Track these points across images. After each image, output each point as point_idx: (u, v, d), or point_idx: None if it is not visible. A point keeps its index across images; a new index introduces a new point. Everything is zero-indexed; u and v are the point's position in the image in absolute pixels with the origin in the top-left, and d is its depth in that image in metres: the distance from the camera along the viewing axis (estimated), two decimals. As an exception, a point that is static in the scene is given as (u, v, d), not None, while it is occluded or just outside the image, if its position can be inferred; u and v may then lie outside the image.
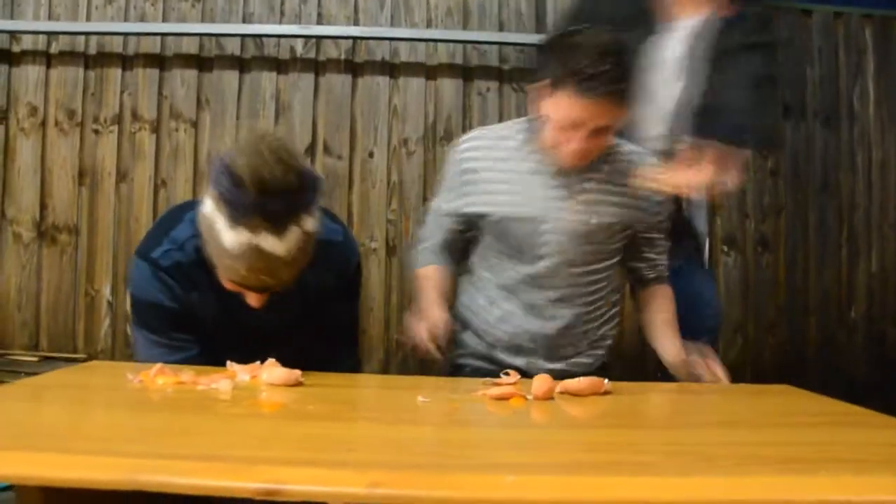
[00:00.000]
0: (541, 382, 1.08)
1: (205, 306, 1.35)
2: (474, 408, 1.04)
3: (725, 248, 2.63)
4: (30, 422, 0.88)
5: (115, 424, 0.91)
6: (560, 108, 1.37)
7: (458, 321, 1.63)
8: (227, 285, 1.22)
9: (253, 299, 1.24)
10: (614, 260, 1.58)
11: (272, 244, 1.12)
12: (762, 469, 0.74)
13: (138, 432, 0.86)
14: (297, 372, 1.15)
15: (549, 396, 1.07)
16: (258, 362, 1.20)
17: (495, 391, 1.07)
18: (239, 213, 1.11)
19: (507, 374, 1.17)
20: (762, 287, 2.65)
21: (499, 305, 1.56)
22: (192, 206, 1.36)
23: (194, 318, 1.35)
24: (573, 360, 1.56)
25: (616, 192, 1.51)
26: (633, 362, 2.34)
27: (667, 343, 1.54)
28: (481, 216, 1.54)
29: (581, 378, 1.13)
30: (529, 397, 1.07)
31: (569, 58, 1.35)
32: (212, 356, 1.32)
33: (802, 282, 2.66)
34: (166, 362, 1.24)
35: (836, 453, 0.83)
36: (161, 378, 1.10)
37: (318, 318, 1.43)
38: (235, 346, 1.34)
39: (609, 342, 1.65)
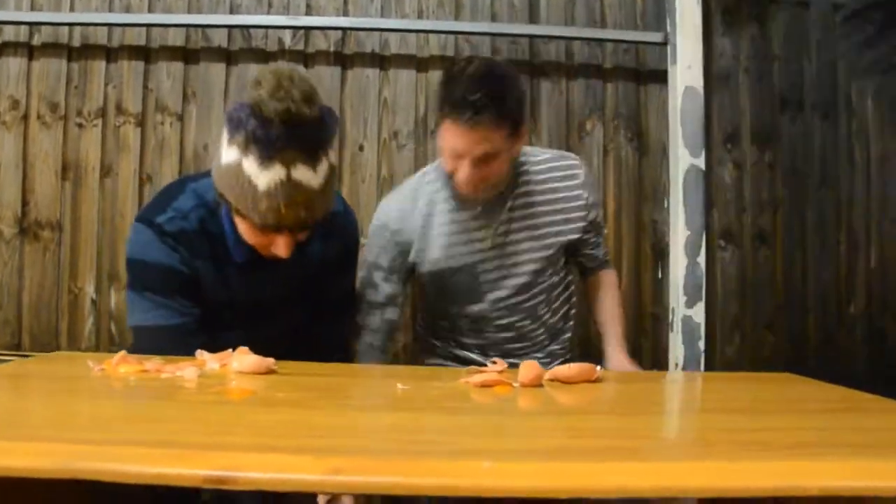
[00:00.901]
0: (528, 369, 1.02)
1: (208, 277, 1.33)
2: (456, 395, 0.99)
3: (722, 243, 2.58)
4: None
5: (66, 412, 0.85)
6: (443, 138, 1.42)
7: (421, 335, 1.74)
8: (255, 240, 1.20)
9: (282, 246, 1.21)
10: (557, 266, 1.65)
11: (308, 176, 1.14)
12: (767, 454, 0.68)
13: (89, 419, 0.81)
14: (270, 360, 1.09)
15: (536, 384, 1.02)
16: (229, 350, 1.15)
17: (479, 378, 1.01)
18: (273, 149, 1.12)
19: (493, 362, 1.12)
20: (760, 282, 2.60)
21: (450, 323, 1.65)
22: (193, 178, 1.36)
23: (197, 285, 1.33)
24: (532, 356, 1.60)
25: (540, 212, 1.55)
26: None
27: (609, 343, 1.65)
28: (418, 274, 1.61)
29: (571, 364, 1.07)
30: (516, 385, 1.02)
31: (446, 88, 1.41)
32: (208, 333, 1.29)
33: (801, 277, 2.61)
34: (168, 325, 1.23)
35: (842, 438, 0.78)
36: (124, 367, 1.05)
37: (318, 291, 1.44)
38: (231, 323, 1.31)
39: (568, 335, 1.73)
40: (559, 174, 1.60)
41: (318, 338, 1.45)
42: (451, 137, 1.39)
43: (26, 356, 2.33)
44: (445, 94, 1.41)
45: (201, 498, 1.53)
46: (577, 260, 1.72)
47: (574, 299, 1.77)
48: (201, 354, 1.16)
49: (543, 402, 0.96)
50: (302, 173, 1.14)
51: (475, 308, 1.57)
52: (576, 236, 1.60)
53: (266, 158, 1.12)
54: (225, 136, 1.18)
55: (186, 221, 1.31)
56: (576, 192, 1.60)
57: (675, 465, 0.64)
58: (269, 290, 1.32)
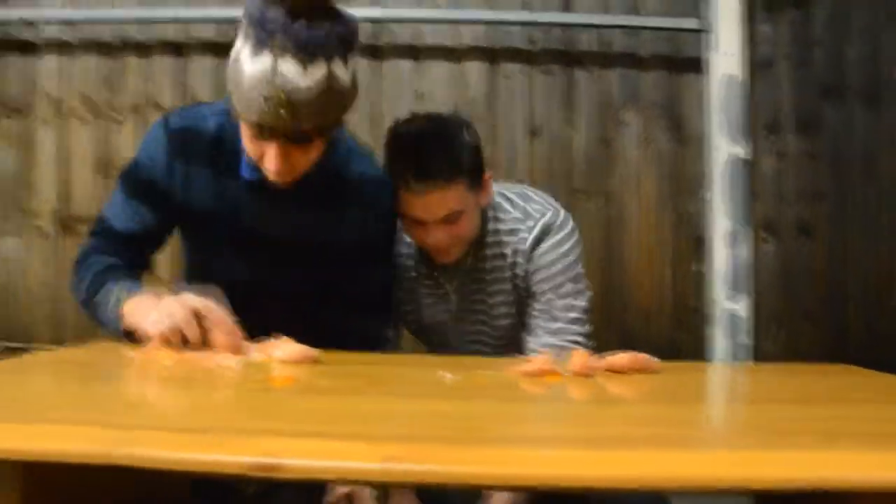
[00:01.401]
0: (578, 358, 0.99)
1: (199, 188, 1.27)
2: (505, 384, 0.97)
3: (764, 235, 2.52)
4: (12, 394, 0.82)
5: (107, 397, 0.84)
6: (401, 208, 1.32)
7: None
8: (250, 147, 1.15)
9: (272, 156, 1.13)
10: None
11: (294, 72, 1.05)
12: (848, 444, 0.65)
13: (129, 405, 0.79)
14: (315, 350, 1.07)
15: (587, 373, 0.99)
16: (271, 339, 1.13)
17: (529, 367, 0.99)
18: (265, 34, 1.05)
19: (540, 352, 1.09)
20: (802, 275, 2.54)
21: None
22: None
23: (168, 199, 1.27)
24: None
25: (498, 267, 1.43)
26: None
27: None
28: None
29: (624, 353, 1.04)
30: (567, 374, 0.99)
31: (390, 156, 1.32)
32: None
33: (843, 269, 2.54)
34: (109, 230, 1.26)
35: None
36: (161, 353, 1.03)
37: (343, 277, 1.35)
38: (230, 262, 1.30)
39: None
40: (513, 235, 1.43)
41: (337, 333, 1.32)
42: (409, 206, 1.29)
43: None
44: (390, 162, 1.32)
45: (242, 493, 1.52)
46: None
47: None
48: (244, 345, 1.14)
49: (595, 391, 0.93)
50: (289, 67, 1.05)
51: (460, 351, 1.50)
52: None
53: (258, 45, 1.05)
54: (240, 32, 1.12)
55: (200, 122, 1.26)
56: (508, 262, 1.42)
57: (746, 454, 0.61)
58: (275, 222, 1.26)
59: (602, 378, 1.00)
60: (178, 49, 2.48)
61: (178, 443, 0.60)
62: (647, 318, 2.48)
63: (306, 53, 1.05)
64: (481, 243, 1.41)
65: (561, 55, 2.49)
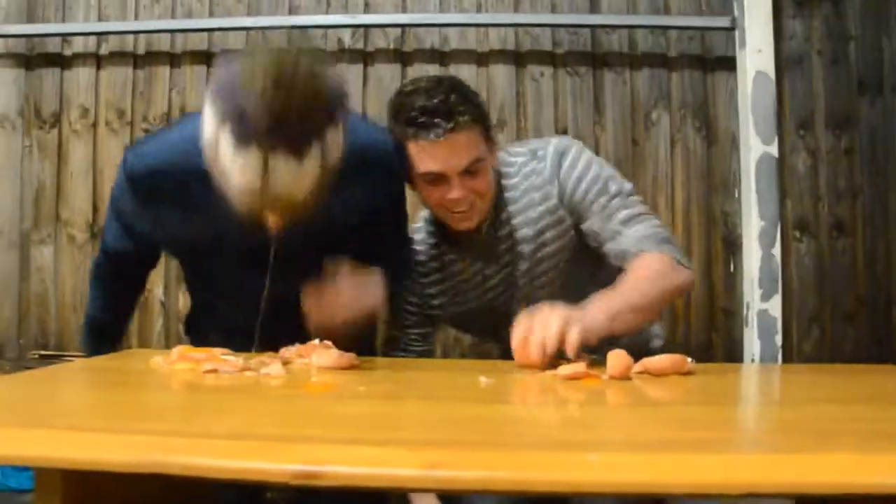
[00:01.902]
0: (617, 360, 0.97)
1: (172, 222, 1.19)
2: (544, 387, 0.95)
3: (797, 234, 2.47)
4: (49, 403, 0.82)
5: (143, 404, 0.84)
6: (417, 165, 1.24)
7: None
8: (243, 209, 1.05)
9: (273, 221, 1.07)
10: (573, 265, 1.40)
11: (290, 167, 0.95)
12: (894, 446, 0.62)
13: (165, 411, 0.79)
14: (351, 355, 1.07)
15: (626, 376, 0.97)
16: (310, 343, 1.13)
17: (567, 370, 0.97)
18: (249, 136, 0.93)
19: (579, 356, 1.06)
20: (839, 274, 2.48)
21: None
22: None
23: (132, 232, 1.27)
24: None
25: (530, 234, 1.35)
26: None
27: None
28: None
29: (662, 356, 1.02)
30: (604, 377, 0.97)
31: (404, 107, 1.25)
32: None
33: (884, 268, 2.48)
34: (107, 248, 1.33)
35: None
36: (181, 364, 1.03)
37: (350, 251, 1.23)
38: (224, 276, 1.26)
39: None
40: (527, 179, 1.36)
41: None
42: (428, 158, 1.21)
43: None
44: (405, 112, 1.23)
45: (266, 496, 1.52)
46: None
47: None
48: (284, 352, 1.13)
49: (633, 393, 0.91)
50: (283, 164, 0.94)
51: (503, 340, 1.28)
52: (569, 243, 1.37)
53: (242, 143, 0.93)
54: (209, 100, 0.99)
55: (161, 156, 1.15)
56: (542, 192, 1.35)
57: (789, 457, 0.59)
58: (286, 241, 1.15)
59: (639, 381, 0.98)
60: (206, 58, 2.50)
61: (219, 450, 0.60)
62: (679, 320, 2.44)
63: (298, 148, 0.95)
64: (498, 205, 1.36)
65: (588, 56, 2.47)
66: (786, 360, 2.34)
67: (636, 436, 0.69)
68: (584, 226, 1.34)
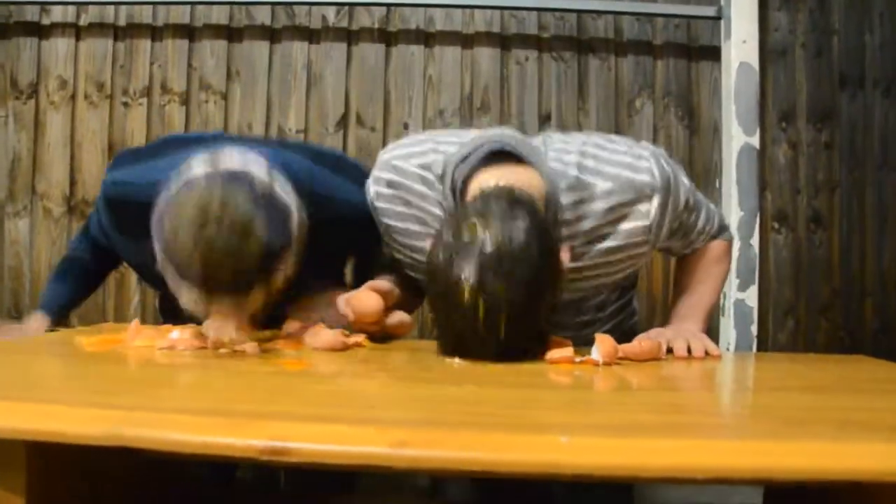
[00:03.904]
0: (605, 345, 0.97)
1: (147, 260, 1.15)
2: (520, 371, 0.95)
3: (776, 225, 2.49)
4: (17, 374, 0.81)
5: (113, 379, 0.84)
6: None
7: None
8: None
9: None
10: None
11: (234, 305, 0.98)
12: (864, 434, 0.63)
13: (133, 385, 0.78)
14: (355, 337, 1.07)
15: (613, 361, 0.97)
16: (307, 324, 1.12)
17: (554, 354, 0.97)
18: (192, 282, 0.96)
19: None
20: (815, 267, 2.51)
21: None
22: (198, 141, 1.19)
23: (112, 253, 1.36)
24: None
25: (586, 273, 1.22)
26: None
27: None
28: None
29: (641, 342, 1.03)
30: (587, 359, 0.97)
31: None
32: None
33: (859, 262, 2.51)
34: (87, 229, 1.39)
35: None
36: (140, 341, 1.02)
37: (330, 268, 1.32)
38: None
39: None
40: (619, 214, 1.16)
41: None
42: None
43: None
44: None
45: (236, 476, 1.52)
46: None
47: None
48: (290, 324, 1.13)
49: (612, 379, 0.92)
50: (227, 304, 0.97)
51: None
52: (636, 269, 1.29)
53: (187, 287, 0.96)
54: (154, 221, 1.00)
55: (135, 191, 1.16)
56: (638, 239, 1.18)
57: (760, 443, 0.59)
58: None
59: (618, 367, 0.98)
60: (188, 32, 2.46)
61: (185, 425, 0.59)
62: (657, 308, 2.45)
63: (240, 293, 0.96)
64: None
65: (573, 42, 2.46)
66: (760, 350, 2.37)
67: (609, 419, 0.69)
68: (662, 246, 1.27)
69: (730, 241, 1.35)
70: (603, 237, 1.16)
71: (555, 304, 1.03)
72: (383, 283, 1.19)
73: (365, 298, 1.12)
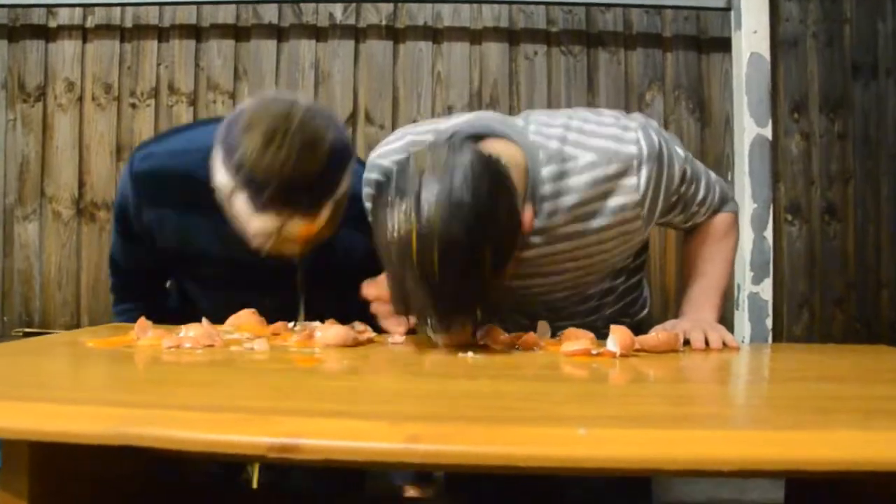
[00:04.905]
0: (622, 336, 0.95)
1: (178, 229, 1.20)
2: (535, 363, 0.94)
3: (789, 217, 2.47)
4: (16, 374, 0.80)
5: (120, 377, 0.82)
6: None
7: None
8: None
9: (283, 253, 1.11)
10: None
11: (304, 226, 1.03)
12: (888, 423, 0.61)
13: (140, 384, 0.77)
14: (364, 333, 1.05)
15: (629, 352, 0.95)
16: (315, 323, 1.11)
17: (570, 346, 0.95)
18: (264, 205, 1.00)
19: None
20: (829, 258, 2.48)
21: None
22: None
23: (149, 237, 1.24)
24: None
25: (566, 252, 1.15)
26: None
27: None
28: None
29: (657, 333, 1.01)
30: (604, 351, 0.95)
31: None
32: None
33: (874, 253, 2.48)
34: (117, 261, 1.29)
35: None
36: (146, 340, 1.00)
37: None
38: (229, 280, 1.24)
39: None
40: (605, 189, 1.09)
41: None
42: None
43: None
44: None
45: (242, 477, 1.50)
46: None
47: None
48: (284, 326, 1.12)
49: (629, 370, 0.90)
50: (298, 226, 1.02)
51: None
52: (634, 248, 1.22)
53: (258, 209, 1.01)
54: (219, 153, 1.03)
55: (169, 160, 1.17)
56: (628, 215, 1.11)
57: (783, 434, 0.57)
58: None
59: (635, 358, 0.96)
60: (195, 32, 2.46)
61: (192, 422, 0.58)
62: (670, 301, 2.43)
63: (311, 210, 1.02)
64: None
65: (582, 35, 2.44)
66: (775, 343, 2.34)
67: (628, 411, 0.67)
68: (661, 221, 1.22)
69: (735, 213, 1.29)
70: (590, 215, 1.09)
71: (506, 268, 0.96)
72: None
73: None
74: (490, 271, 0.91)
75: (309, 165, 0.99)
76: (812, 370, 0.98)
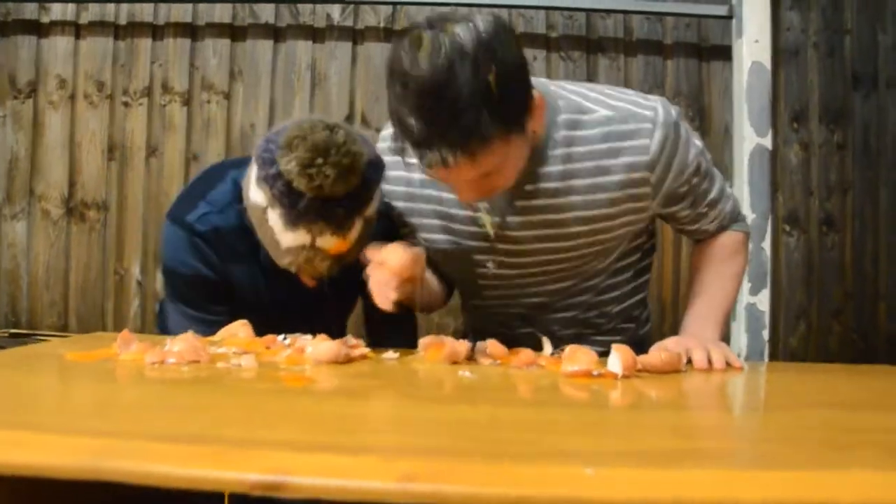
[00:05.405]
0: (625, 355, 0.92)
1: (245, 279, 1.23)
2: (534, 385, 0.91)
3: (787, 228, 2.45)
4: None
5: (90, 397, 0.78)
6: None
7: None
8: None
9: (308, 280, 1.16)
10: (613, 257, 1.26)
11: (335, 243, 1.07)
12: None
13: (117, 408, 0.73)
14: (350, 349, 1.02)
15: (631, 373, 0.92)
16: (307, 336, 1.08)
17: (570, 367, 0.92)
18: (298, 217, 1.04)
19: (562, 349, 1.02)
20: (827, 269, 2.46)
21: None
22: (236, 164, 1.25)
23: (231, 290, 1.24)
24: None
25: (573, 203, 1.14)
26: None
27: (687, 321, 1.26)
28: None
29: (659, 353, 0.98)
30: (605, 372, 0.92)
31: (397, 120, 0.97)
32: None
33: (872, 264, 2.47)
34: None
35: None
36: (129, 354, 0.96)
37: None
38: (281, 323, 1.22)
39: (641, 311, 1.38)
40: (616, 147, 1.08)
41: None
42: (436, 174, 0.99)
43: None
44: (400, 128, 0.96)
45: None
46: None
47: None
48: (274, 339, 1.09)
49: (632, 394, 0.87)
50: (330, 241, 1.06)
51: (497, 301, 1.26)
52: (639, 226, 1.20)
53: (291, 224, 1.05)
54: (254, 170, 1.08)
55: (222, 216, 1.19)
56: (638, 176, 1.09)
57: (811, 474, 0.55)
58: (327, 291, 1.19)
59: (638, 380, 0.93)
60: (190, 30, 2.42)
61: (172, 455, 0.54)
62: (667, 313, 2.41)
63: (344, 226, 1.06)
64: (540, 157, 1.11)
65: (583, 41, 2.42)
66: (772, 354, 2.33)
67: (636, 445, 0.64)
68: (668, 210, 1.19)
69: (746, 234, 1.29)
70: (603, 170, 1.09)
71: (518, 115, 0.96)
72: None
73: (397, 249, 1.08)
74: (497, 97, 0.91)
75: (347, 186, 1.03)
76: (821, 394, 0.95)
